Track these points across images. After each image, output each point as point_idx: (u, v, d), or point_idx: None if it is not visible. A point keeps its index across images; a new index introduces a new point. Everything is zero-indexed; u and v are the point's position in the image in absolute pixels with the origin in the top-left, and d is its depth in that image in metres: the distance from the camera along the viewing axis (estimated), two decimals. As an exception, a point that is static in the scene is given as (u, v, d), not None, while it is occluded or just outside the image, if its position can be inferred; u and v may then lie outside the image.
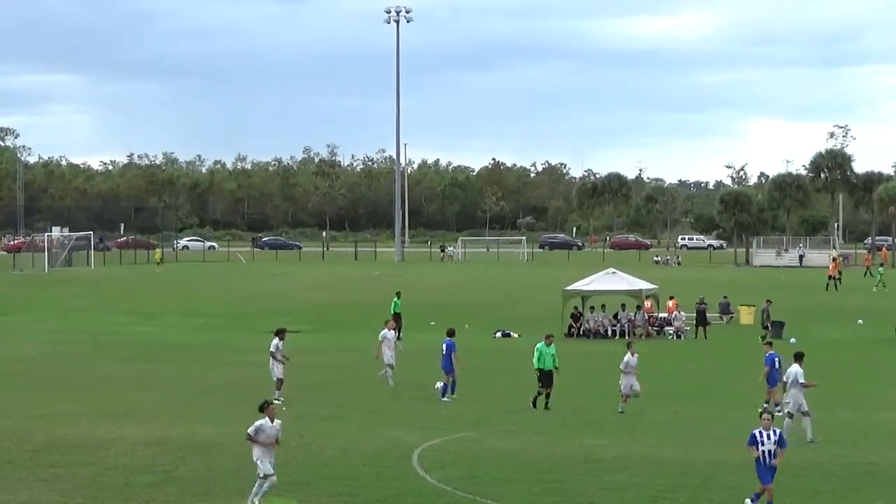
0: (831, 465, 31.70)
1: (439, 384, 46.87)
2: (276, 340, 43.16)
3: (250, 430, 26.49)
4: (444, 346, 45.74)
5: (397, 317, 67.08)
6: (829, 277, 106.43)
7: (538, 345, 42.62)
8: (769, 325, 66.19)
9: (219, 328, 72.67)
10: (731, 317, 76.48)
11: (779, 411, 37.72)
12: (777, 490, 28.66)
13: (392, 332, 49.51)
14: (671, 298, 73.51)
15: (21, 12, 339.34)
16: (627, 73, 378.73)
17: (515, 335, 67.65)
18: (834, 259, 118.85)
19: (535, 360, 42.39)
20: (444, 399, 44.43)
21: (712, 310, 73.70)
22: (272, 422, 26.70)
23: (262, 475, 25.92)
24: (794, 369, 35.87)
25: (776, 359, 39.81)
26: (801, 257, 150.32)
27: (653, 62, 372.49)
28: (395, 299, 68.35)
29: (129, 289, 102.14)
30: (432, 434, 35.63)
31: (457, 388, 45.00)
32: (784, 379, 36.40)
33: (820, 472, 30.92)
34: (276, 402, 40.22)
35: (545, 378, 41.90)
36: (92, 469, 30.24)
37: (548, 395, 41.68)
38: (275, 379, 42.72)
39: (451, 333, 45.91)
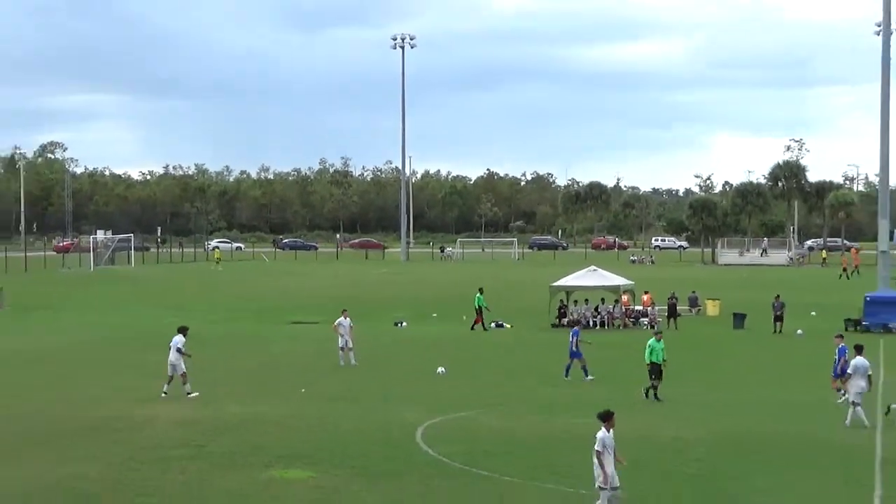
0: (788, 441, 31.69)
1: (441, 369, 46.89)
2: (180, 336, 40.34)
3: (598, 447, 22.72)
4: (572, 334, 46.19)
5: (480, 310, 66.91)
6: (844, 269, 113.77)
7: (650, 341, 41.03)
8: (780, 314, 66.01)
9: (244, 319, 72.59)
10: (699, 309, 76.43)
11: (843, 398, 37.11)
12: (741, 464, 28.71)
13: (347, 319, 49.41)
14: (646, 293, 73.46)
15: (71, 41, 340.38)
16: (608, 93, 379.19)
17: (508, 326, 67.56)
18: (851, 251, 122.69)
19: (647, 354, 40.51)
20: (588, 378, 44.90)
21: (682, 303, 73.69)
22: (609, 431, 23.01)
23: (609, 486, 22.68)
24: (863, 361, 34.64)
25: (847, 351, 37.79)
26: (764, 250, 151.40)
27: (630, 83, 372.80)
28: (478, 294, 67.59)
29: (165, 285, 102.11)
30: (434, 413, 35.60)
31: (571, 371, 45.33)
32: (849, 371, 34.81)
33: (779, 448, 30.90)
34: (190, 395, 39.14)
35: (656, 371, 40.34)
36: (132, 445, 30.26)
37: (656, 387, 40.10)
38: (179, 374, 39.67)
39: (576, 323, 45.97)
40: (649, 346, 40.64)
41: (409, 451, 29.86)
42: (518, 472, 27.15)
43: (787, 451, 30.35)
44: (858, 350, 35.51)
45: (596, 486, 22.70)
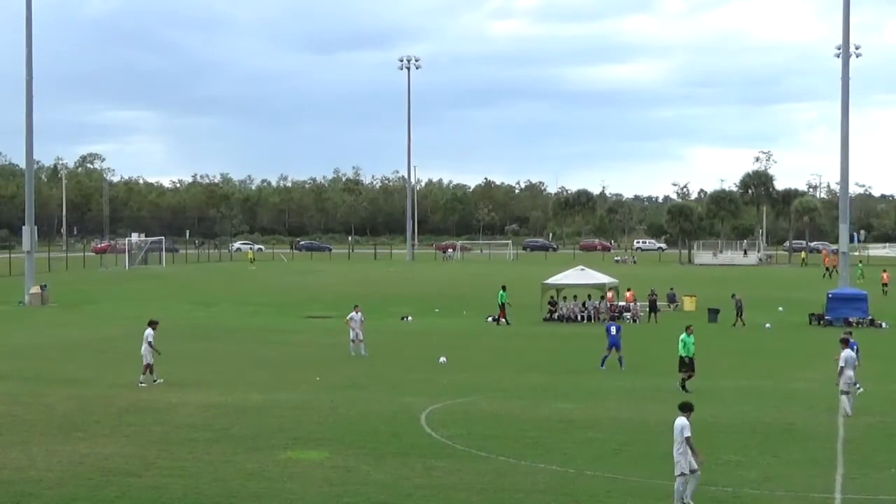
0: (756, 424, 31.64)
1: (443, 359, 46.86)
2: (150, 330, 39.24)
3: (687, 433, 22.00)
4: (615, 328, 45.81)
5: (503, 306, 66.54)
6: (827, 269, 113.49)
7: (682, 336, 39.67)
8: (740, 311, 66.58)
9: (265, 314, 72.64)
10: (677, 305, 76.49)
11: (858, 389, 36.85)
12: (712, 443, 28.64)
13: (359, 314, 49.12)
14: (629, 290, 73.62)
15: (116, 64, 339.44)
16: (595, 109, 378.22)
17: (503, 320, 67.55)
18: (832, 252, 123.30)
19: (680, 348, 39.24)
20: (622, 368, 44.48)
21: (661, 299, 73.76)
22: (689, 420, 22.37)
23: (689, 471, 22.04)
24: (850, 354, 33.73)
25: (855, 346, 36.97)
26: (745, 251, 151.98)
27: (616, 101, 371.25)
28: (501, 292, 67.27)
29: (193, 283, 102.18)
30: (437, 399, 35.55)
31: (624, 362, 44.95)
32: (842, 364, 33.60)
33: (747, 430, 30.86)
34: (142, 385, 38.22)
35: (689, 363, 38.97)
36: (163, 427, 30.20)
37: (689, 378, 38.62)
38: (145, 363, 38.85)
39: (614, 319, 45.36)
40: (682, 340, 39.33)
41: (413, 434, 29.83)
42: (512, 453, 27.10)
43: (758, 434, 30.30)
44: (845, 343, 34.68)
45: (678, 472, 22.00)
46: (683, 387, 38.32)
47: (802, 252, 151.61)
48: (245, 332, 60.07)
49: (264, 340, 56.17)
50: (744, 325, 64.87)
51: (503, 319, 66.25)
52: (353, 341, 48.83)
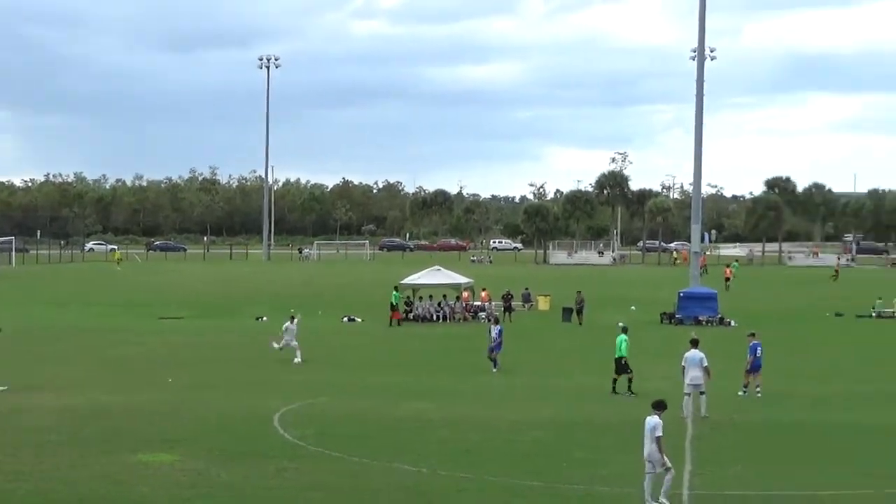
0: (611, 423, 31.96)
1: (297, 359, 46.62)
2: None
3: (659, 432, 22.27)
4: (496, 331, 45.24)
5: (396, 307, 65.54)
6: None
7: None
8: (581, 310, 67.29)
9: (118, 314, 71.45)
10: (531, 305, 77.10)
11: (750, 392, 37.18)
12: (564, 441, 28.93)
13: (292, 324, 48.50)
14: (484, 290, 74.01)
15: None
16: (453, 109, 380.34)
17: (359, 319, 67.48)
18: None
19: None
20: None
21: (516, 299, 74.29)
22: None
23: (663, 468, 22.35)
24: (694, 354, 33.65)
25: (758, 348, 37.76)
26: (601, 252, 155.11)
27: (475, 101, 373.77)
28: (395, 292, 66.40)
29: (44, 284, 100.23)
30: (291, 399, 35.38)
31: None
32: (683, 363, 33.81)
33: (600, 428, 31.21)
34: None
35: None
36: (11, 432, 29.58)
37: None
38: None
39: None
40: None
41: (266, 435, 29.63)
42: (366, 453, 27.06)
43: (609, 432, 30.68)
44: (694, 344, 34.36)
45: (648, 470, 22.41)
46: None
47: (674, 252, 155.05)
48: (98, 333, 59.00)
49: (117, 341, 55.23)
50: (580, 323, 65.54)
51: (396, 321, 65.44)
52: (280, 347, 47.69)
